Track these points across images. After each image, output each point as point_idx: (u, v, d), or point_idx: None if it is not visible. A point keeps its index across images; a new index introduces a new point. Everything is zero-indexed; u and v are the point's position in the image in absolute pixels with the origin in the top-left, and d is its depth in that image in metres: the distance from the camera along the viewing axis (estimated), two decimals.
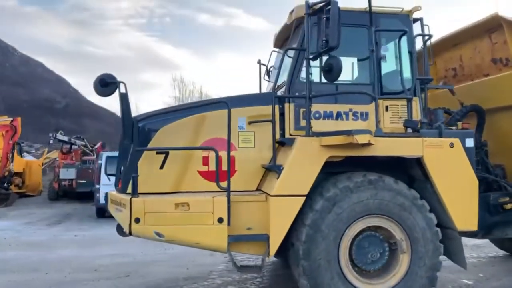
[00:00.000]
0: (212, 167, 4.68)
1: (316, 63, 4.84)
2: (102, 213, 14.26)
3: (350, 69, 5.51)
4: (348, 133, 4.32)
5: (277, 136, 4.81)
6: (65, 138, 23.48)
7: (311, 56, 4.70)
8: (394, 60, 5.39)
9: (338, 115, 5.04)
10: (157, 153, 4.72)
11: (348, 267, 4.56)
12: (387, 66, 5.32)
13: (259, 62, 6.41)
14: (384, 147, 4.59)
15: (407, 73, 5.13)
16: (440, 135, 4.78)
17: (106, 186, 12.99)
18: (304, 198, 4.44)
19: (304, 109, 4.77)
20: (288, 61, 5.16)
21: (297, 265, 4.52)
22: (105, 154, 14.18)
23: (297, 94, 4.91)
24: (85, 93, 61.24)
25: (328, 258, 4.44)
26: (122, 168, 5.06)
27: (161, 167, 4.72)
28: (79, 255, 8.37)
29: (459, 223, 4.68)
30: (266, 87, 6.27)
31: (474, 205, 4.71)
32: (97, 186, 13.85)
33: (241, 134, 4.93)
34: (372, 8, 4.87)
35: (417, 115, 5.04)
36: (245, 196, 4.65)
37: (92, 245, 9.53)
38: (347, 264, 4.55)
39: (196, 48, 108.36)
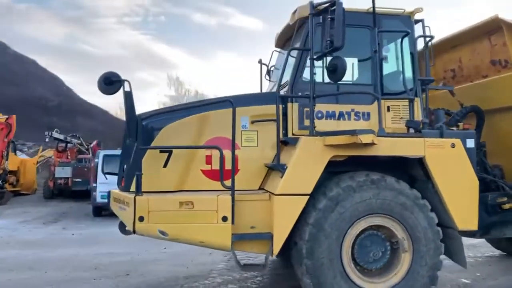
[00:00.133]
0: (215, 166, 4.71)
1: (319, 63, 4.87)
2: (99, 212, 14.20)
3: (350, 70, 5.54)
4: (352, 132, 4.35)
5: (280, 136, 4.82)
6: (61, 137, 23.33)
7: (315, 56, 4.72)
8: (395, 61, 5.46)
9: (341, 115, 5.08)
10: (161, 151, 4.74)
11: (350, 265, 4.59)
12: (388, 67, 5.38)
13: (260, 61, 6.44)
14: (386, 147, 4.63)
15: (409, 74, 5.19)
16: (441, 135, 4.83)
17: (103, 184, 12.97)
18: (308, 197, 4.47)
19: (308, 109, 4.80)
20: (291, 61, 5.18)
21: (300, 264, 4.55)
22: (102, 153, 14.10)
23: (300, 94, 4.94)
24: (79, 92, 61.05)
25: (330, 257, 4.47)
26: (125, 166, 5.07)
27: (165, 166, 4.74)
28: (77, 254, 8.31)
29: (459, 222, 4.74)
30: (267, 86, 6.30)
31: (475, 205, 4.77)
32: (94, 184, 13.75)
33: (244, 133, 4.96)
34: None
35: (418, 115, 5.09)
36: (249, 195, 4.68)
37: (90, 244, 9.47)
38: (349, 262, 4.59)
39: (191, 47, 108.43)
